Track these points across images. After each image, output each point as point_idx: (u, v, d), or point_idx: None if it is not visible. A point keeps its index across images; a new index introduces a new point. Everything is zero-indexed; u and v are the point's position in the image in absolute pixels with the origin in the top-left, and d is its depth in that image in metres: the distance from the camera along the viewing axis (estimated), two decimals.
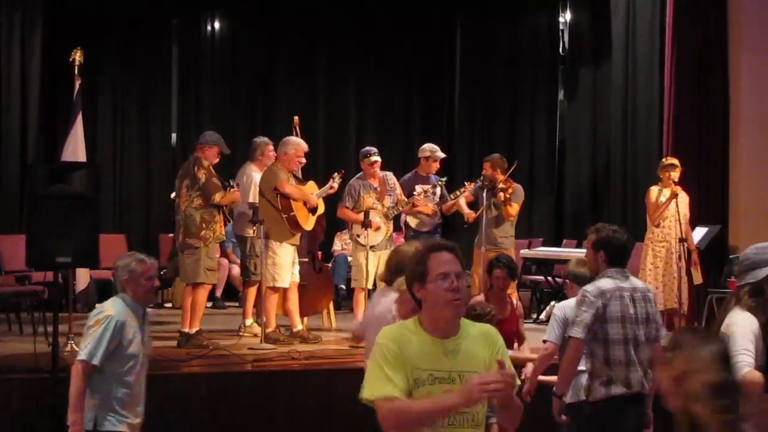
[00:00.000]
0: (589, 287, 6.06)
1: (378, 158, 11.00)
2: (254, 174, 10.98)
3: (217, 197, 10.12)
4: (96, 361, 5.91)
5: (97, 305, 6.28)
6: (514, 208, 11.24)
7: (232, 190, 10.30)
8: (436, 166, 11.53)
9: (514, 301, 8.57)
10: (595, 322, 5.95)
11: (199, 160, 10.23)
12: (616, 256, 6.13)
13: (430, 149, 11.55)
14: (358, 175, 11.14)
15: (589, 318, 5.94)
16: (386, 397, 3.83)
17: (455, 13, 16.87)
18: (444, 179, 11.50)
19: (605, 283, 6.04)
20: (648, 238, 11.06)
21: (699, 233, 11.50)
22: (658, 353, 5.84)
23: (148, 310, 6.46)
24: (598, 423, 6.11)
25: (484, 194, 11.00)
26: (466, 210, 11.34)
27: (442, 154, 11.53)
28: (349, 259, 12.29)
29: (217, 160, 10.43)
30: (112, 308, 6.05)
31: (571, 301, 7.21)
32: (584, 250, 12.33)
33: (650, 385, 6.04)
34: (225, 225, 10.51)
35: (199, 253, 10.09)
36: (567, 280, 7.40)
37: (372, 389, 3.88)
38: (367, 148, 11.23)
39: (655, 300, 6.34)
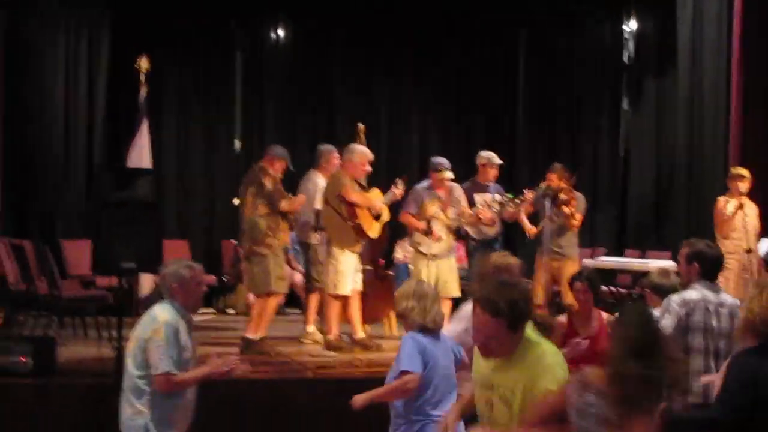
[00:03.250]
0: (675, 296, 6.12)
1: (451, 175, 10.85)
2: (319, 181, 10.99)
3: (284, 204, 10.13)
4: (176, 370, 5.91)
5: (145, 314, 6.23)
6: (577, 219, 11.23)
7: (297, 196, 10.33)
8: (493, 173, 11.44)
9: (604, 317, 8.09)
10: (677, 331, 5.95)
11: (265, 168, 10.24)
12: (709, 268, 6.24)
13: (487, 156, 11.49)
14: (425, 182, 11.07)
15: (670, 324, 5.91)
16: None
17: (519, 22, 16.76)
18: (510, 195, 11.38)
19: (691, 293, 6.10)
20: None
21: (765, 244, 11.33)
22: None
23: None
24: None
25: (546, 204, 10.97)
26: (527, 225, 11.40)
27: (498, 161, 11.43)
28: (410, 267, 12.24)
29: (281, 171, 10.42)
30: (166, 315, 6.04)
31: None
32: (647, 260, 12.32)
33: None
34: (289, 232, 10.52)
35: (267, 261, 10.02)
36: (647, 290, 7.26)
37: None
38: (440, 160, 10.97)
39: None
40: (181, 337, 6.00)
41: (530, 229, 11.39)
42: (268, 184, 10.10)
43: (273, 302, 10.23)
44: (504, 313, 4.12)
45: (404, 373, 5.81)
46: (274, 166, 10.32)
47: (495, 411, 4.34)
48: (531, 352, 4.24)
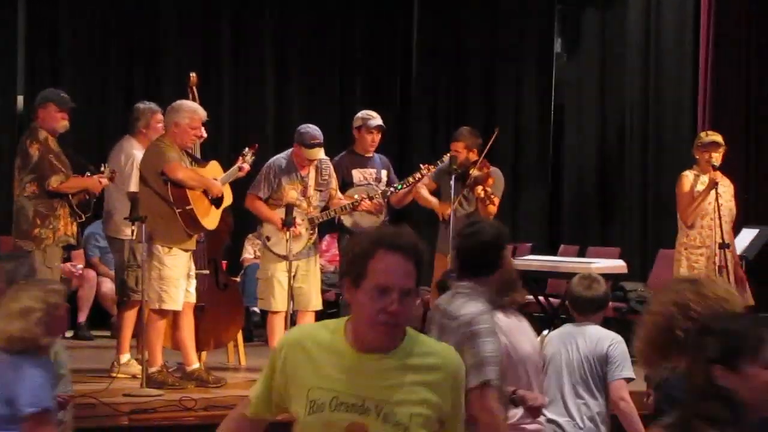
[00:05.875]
0: None
1: (322, 154, 10.88)
2: (136, 153, 10.91)
3: (54, 182, 10.07)
4: None
5: None
6: (495, 203, 11.25)
7: (98, 175, 10.28)
8: (372, 139, 11.44)
9: None
10: None
11: (34, 131, 10.20)
12: None
13: (362, 116, 11.52)
14: (282, 154, 11.04)
15: None
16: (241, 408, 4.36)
17: None
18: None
19: None
20: (681, 244, 10.95)
21: (746, 237, 11.52)
22: None
23: None
24: None
25: (452, 182, 10.99)
26: (434, 201, 11.36)
27: (378, 122, 11.47)
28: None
29: (63, 124, 10.40)
30: None
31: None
32: (591, 260, 12.47)
33: None
34: (75, 222, 10.41)
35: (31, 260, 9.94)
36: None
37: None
38: (313, 131, 10.89)
39: None
40: None
41: (441, 206, 11.31)
42: (35, 152, 10.03)
43: None
44: None
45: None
46: (45, 119, 10.24)
47: None
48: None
